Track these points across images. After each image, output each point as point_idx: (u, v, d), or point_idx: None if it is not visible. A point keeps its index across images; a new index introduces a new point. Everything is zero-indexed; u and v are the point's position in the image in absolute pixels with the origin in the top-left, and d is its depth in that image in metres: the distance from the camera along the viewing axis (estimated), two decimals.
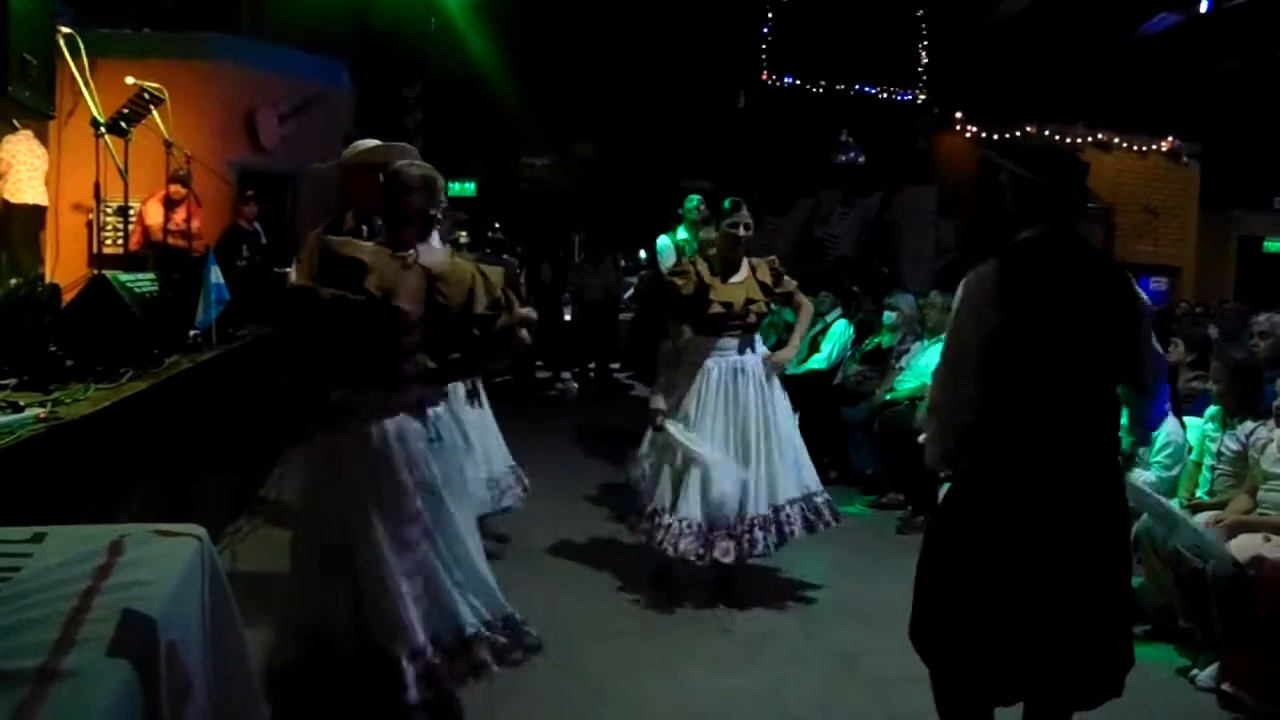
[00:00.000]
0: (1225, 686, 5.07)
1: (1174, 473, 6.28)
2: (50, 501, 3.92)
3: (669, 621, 6.09)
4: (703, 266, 6.44)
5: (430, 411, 4.12)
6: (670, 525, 6.19)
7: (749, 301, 6.39)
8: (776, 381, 6.55)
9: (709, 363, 6.37)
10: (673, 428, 6.27)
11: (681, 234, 9.52)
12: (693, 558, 6.16)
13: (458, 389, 6.40)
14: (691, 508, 6.18)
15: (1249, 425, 5.88)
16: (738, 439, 6.30)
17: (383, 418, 4.00)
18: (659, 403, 6.46)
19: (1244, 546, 5.26)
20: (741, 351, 6.45)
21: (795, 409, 6.83)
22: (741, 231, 6.46)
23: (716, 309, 6.32)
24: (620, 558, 7.11)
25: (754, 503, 6.27)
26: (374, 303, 3.96)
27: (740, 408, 6.34)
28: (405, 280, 4.03)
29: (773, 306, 6.88)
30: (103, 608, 2.27)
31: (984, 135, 17.78)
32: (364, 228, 5.55)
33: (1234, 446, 5.94)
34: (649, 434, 6.66)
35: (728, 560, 6.18)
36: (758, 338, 6.65)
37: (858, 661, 5.60)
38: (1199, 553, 5.37)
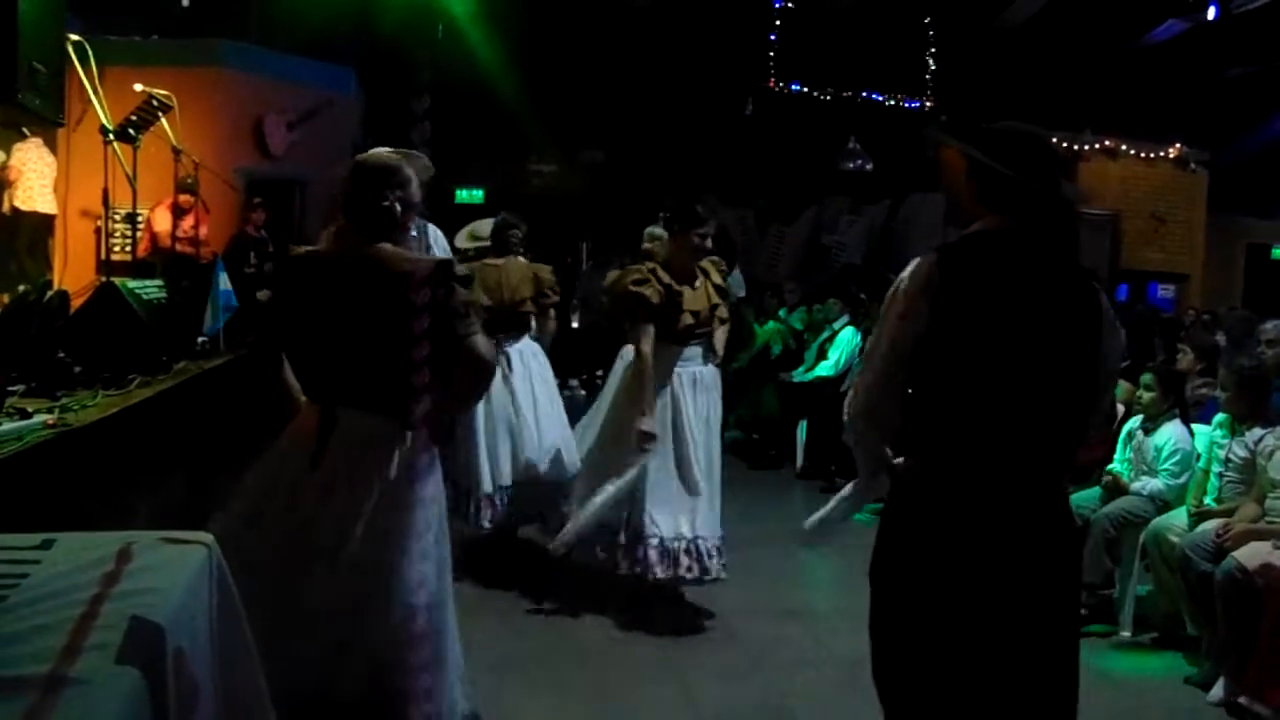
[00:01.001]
0: (1241, 699, 5.06)
1: (1181, 480, 6.27)
2: (58, 508, 3.93)
3: (675, 628, 6.07)
4: (663, 273, 6.11)
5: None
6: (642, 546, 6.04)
7: (712, 307, 6.23)
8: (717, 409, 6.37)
9: (678, 371, 6.17)
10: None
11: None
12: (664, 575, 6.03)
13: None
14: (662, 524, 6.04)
15: (1257, 433, 5.87)
16: (700, 455, 6.15)
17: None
18: (650, 424, 5.93)
19: (1252, 554, 5.25)
20: (705, 361, 6.27)
21: (803, 415, 6.78)
22: (708, 244, 6.18)
23: (687, 319, 6.09)
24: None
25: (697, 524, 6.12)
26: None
27: (702, 422, 6.19)
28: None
29: (782, 314, 6.80)
30: (110, 615, 2.26)
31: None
32: None
33: (1242, 454, 5.93)
34: (590, 457, 6.49)
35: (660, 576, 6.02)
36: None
37: (865, 670, 5.57)
38: (1206, 556, 5.39)
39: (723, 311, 6.32)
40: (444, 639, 3.87)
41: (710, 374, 6.29)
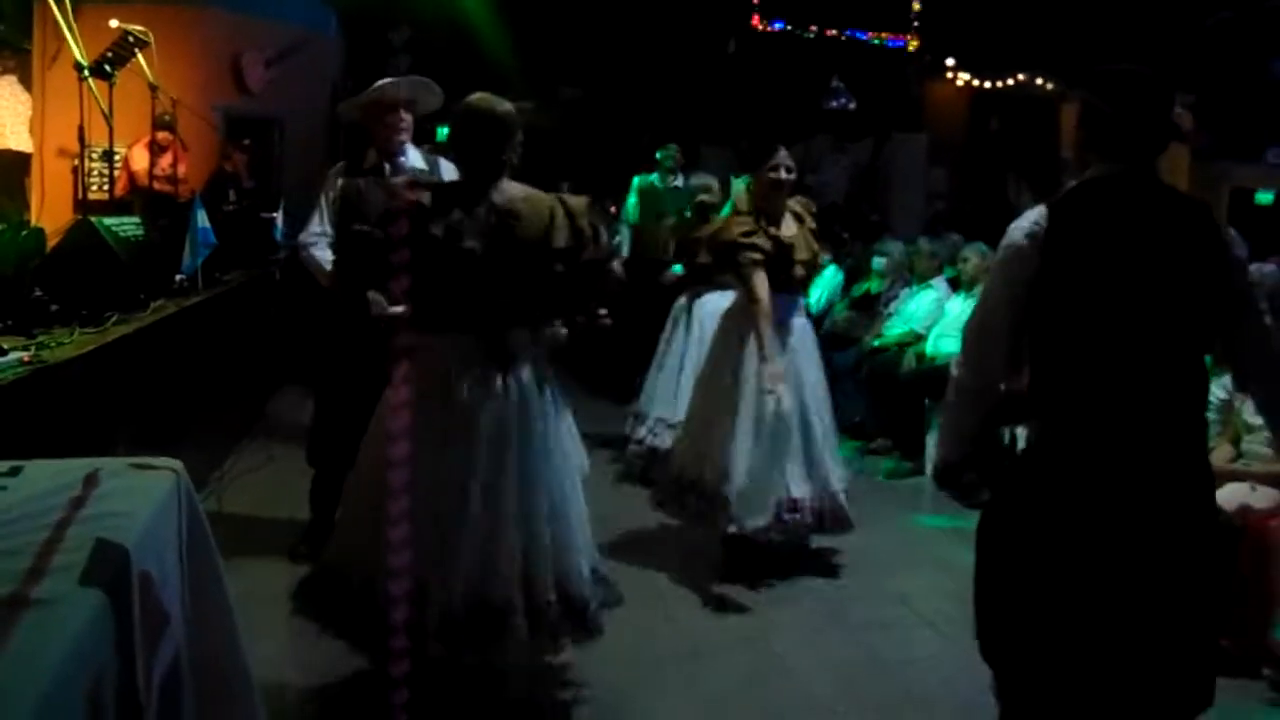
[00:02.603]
0: (1222, 641, 5.10)
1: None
2: (34, 444, 3.92)
3: (657, 563, 6.11)
4: (764, 223, 5.82)
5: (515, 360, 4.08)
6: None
7: (814, 254, 6.02)
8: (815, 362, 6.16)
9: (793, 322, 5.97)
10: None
11: (655, 178, 9.66)
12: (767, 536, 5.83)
13: None
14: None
15: None
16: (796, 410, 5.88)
17: (472, 365, 3.99)
18: (777, 369, 5.59)
19: (1231, 496, 5.27)
20: (785, 320, 5.91)
21: None
22: (783, 175, 5.88)
23: (799, 270, 5.89)
24: (611, 501, 7.14)
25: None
26: (439, 245, 3.91)
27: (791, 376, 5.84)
28: (477, 221, 3.98)
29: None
30: (76, 538, 2.27)
31: (975, 83, 17.69)
32: (386, 165, 5.55)
33: (1221, 394, 5.93)
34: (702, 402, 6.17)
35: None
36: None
37: (841, 606, 5.63)
38: None
39: (812, 261, 6.05)
40: None
41: (802, 326, 6.09)
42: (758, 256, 5.74)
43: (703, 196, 7.85)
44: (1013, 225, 3.08)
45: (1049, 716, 3.15)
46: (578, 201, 4.19)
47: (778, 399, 5.56)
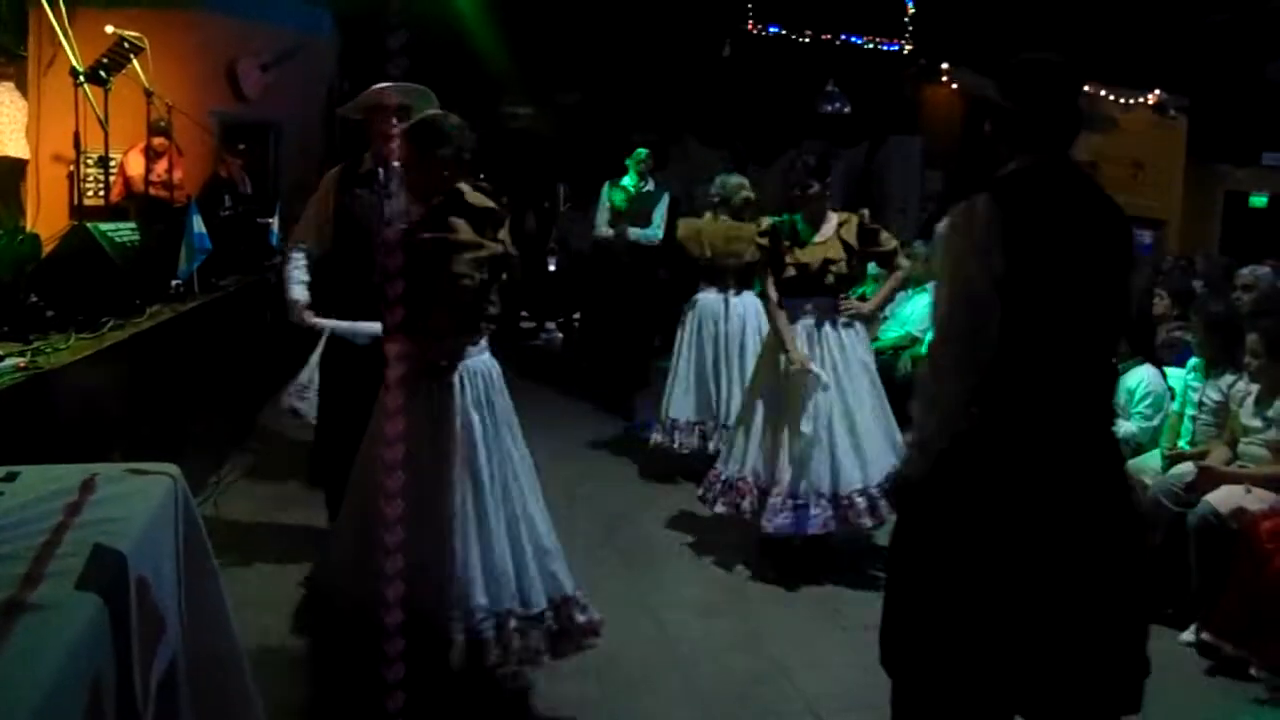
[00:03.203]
0: (1205, 636, 5.11)
1: (1154, 423, 6.31)
2: (30, 450, 3.92)
3: (652, 566, 6.14)
4: (784, 226, 6.20)
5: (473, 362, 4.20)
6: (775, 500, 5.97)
7: (826, 262, 6.09)
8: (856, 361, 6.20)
9: (798, 325, 6.12)
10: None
11: (627, 181, 9.67)
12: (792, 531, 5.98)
13: None
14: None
15: (1229, 377, 5.90)
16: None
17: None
18: (799, 358, 5.95)
19: (1226, 498, 5.29)
20: (820, 320, 6.11)
21: None
22: (799, 191, 6.21)
23: (790, 271, 6.12)
24: (603, 503, 7.16)
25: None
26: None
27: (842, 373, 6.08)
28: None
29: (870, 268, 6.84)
30: (72, 543, 2.28)
31: (954, 85, 17.73)
32: (380, 170, 5.56)
33: (1215, 397, 5.97)
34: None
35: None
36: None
37: (838, 608, 5.64)
38: (1178, 502, 5.43)
39: (839, 269, 6.10)
40: None
41: (827, 332, 6.14)
42: (760, 254, 6.31)
43: (744, 194, 7.91)
44: (962, 212, 3.02)
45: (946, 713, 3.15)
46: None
47: (821, 383, 5.88)
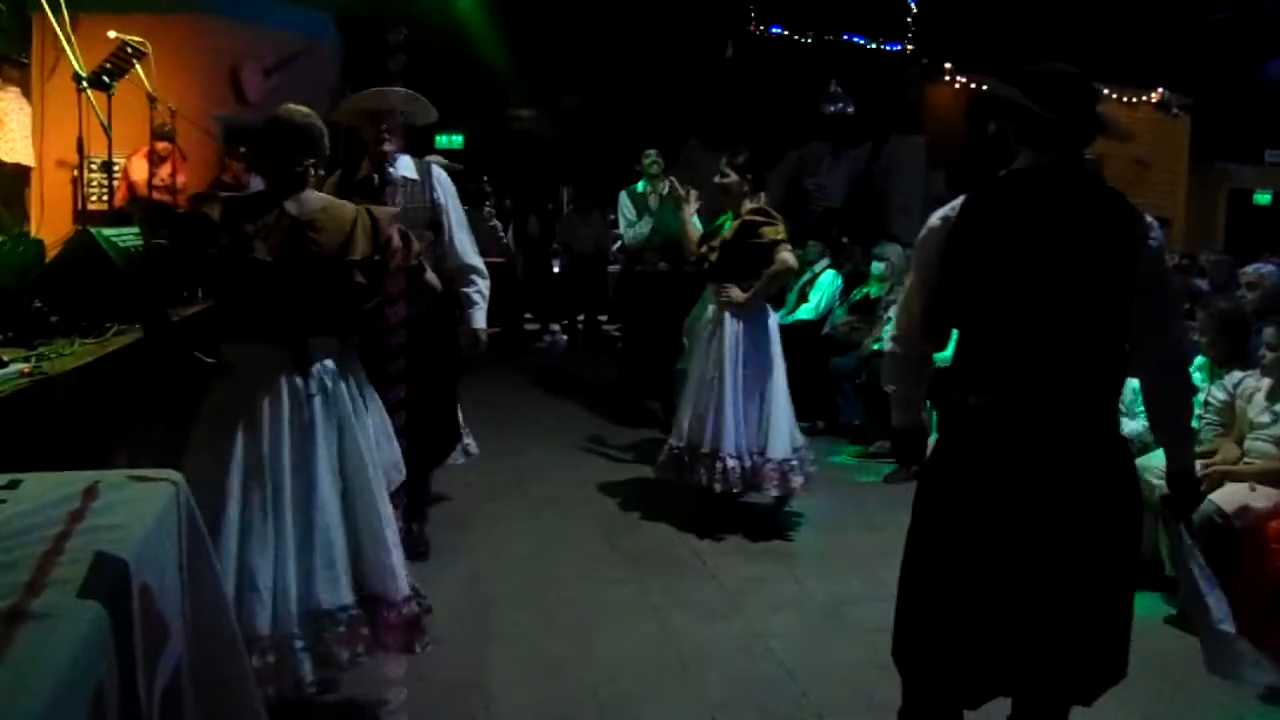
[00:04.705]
0: None
1: None
2: (34, 456, 3.92)
3: (657, 569, 6.13)
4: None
5: (316, 366, 3.99)
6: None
7: (709, 248, 6.82)
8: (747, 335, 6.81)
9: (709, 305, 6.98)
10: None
11: (641, 188, 9.59)
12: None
13: None
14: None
15: (1236, 375, 5.89)
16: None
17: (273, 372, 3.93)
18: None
19: (1231, 497, 5.28)
20: (717, 300, 6.85)
21: (783, 358, 6.86)
22: (719, 179, 6.91)
23: (695, 251, 6.98)
24: (609, 506, 7.16)
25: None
26: (226, 255, 3.87)
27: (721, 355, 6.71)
28: (269, 230, 3.93)
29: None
30: (75, 551, 2.27)
31: (973, 86, 17.71)
32: (375, 177, 5.57)
33: (1222, 396, 5.95)
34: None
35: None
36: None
37: (844, 610, 5.63)
38: None
39: (713, 255, 6.86)
40: None
41: (722, 312, 6.80)
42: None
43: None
44: (933, 213, 3.41)
45: (944, 695, 3.38)
46: (383, 212, 4.16)
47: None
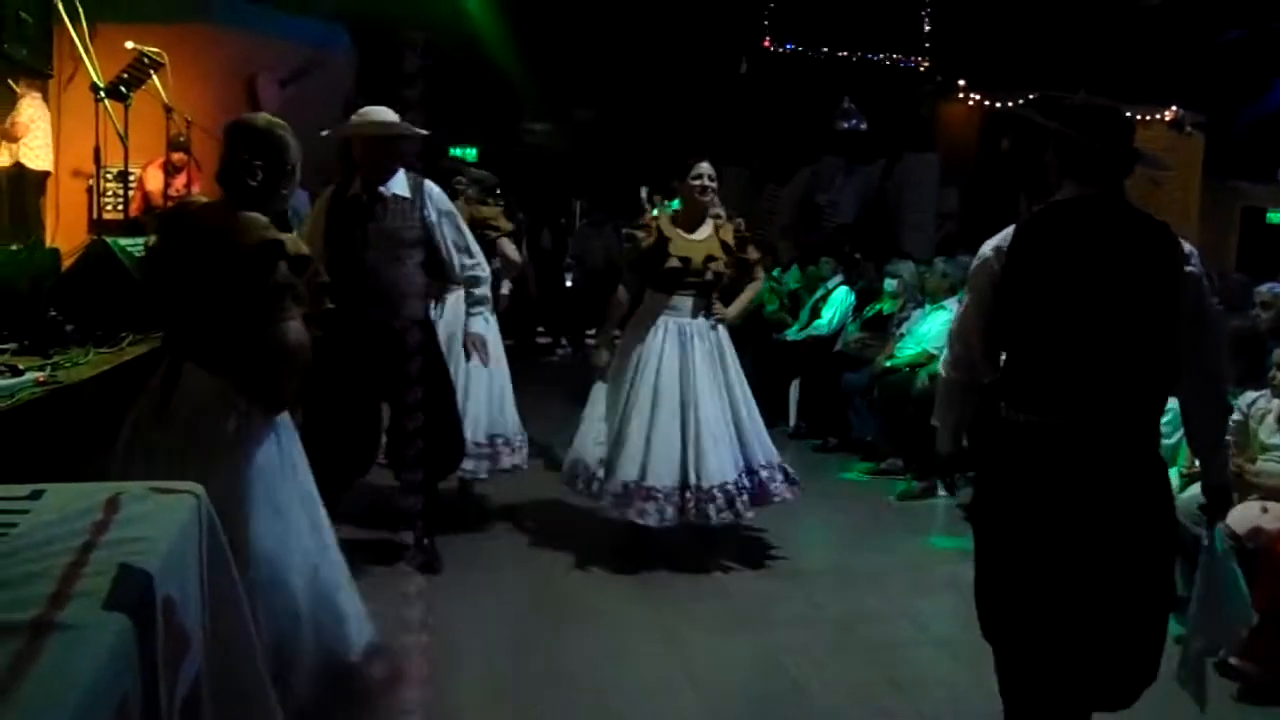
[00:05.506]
0: (1230, 659, 5.08)
1: (1173, 440, 6.27)
2: (50, 464, 3.93)
3: (669, 586, 6.13)
4: (664, 220, 6.43)
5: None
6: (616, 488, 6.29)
7: (708, 259, 6.34)
8: (730, 349, 6.54)
9: (660, 320, 6.35)
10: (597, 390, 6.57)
11: (676, 205, 9.58)
12: (641, 520, 6.20)
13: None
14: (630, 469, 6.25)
15: (1250, 395, 5.88)
16: (677, 404, 6.28)
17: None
18: (597, 356, 6.66)
19: (1242, 518, 5.26)
20: (694, 314, 6.40)
21: (796, 375, 6.85)
22: (705, 182, 6.39)
23: (673, 263, 6.28)
24: (617, 522, 7.15)
25: (696, 473, 6.23)
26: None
27: (687, 373, 6.31)
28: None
29: (775, 273, 6.95)
30: (99, 562, 2.28)
31: (986, 103, 17.72)
32: (364, 195, 5.61)
33: (1235, 416, 5.93)
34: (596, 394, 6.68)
35: (646, 522, 6.18)
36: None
37: (857, 627, 5.62)
38: (1196, 519, 5.40)
39: (718, 266, 6.39)
40: None
41: (700, 326, 6.40)
42: (633, 247, 6.56)
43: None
44: (986, 242, 3.54)
45: (1029, 683, 3.51)
46: (291, 239, 4.03)
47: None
